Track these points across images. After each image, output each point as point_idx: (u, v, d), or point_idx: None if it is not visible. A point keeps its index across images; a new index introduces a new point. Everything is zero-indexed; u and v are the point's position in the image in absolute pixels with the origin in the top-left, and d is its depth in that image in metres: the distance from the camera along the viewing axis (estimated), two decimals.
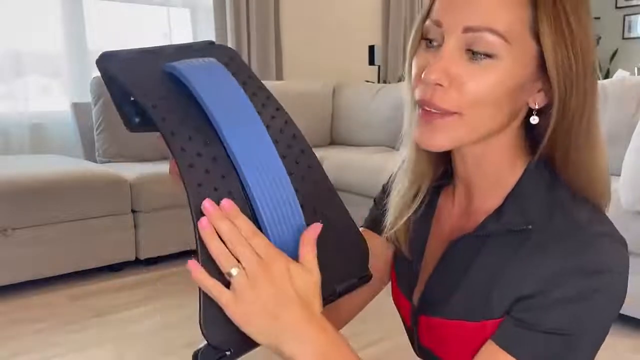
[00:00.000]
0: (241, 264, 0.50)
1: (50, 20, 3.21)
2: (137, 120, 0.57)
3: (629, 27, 6.27)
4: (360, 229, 0.64)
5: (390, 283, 0.82)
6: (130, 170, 2.70)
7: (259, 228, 0.52)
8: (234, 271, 0.49)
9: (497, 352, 0.58)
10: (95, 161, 3.07)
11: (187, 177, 0.50)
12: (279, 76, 4.11)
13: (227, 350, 0.51)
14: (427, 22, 0.60)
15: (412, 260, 0.74)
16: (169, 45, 0.59)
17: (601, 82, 2.50)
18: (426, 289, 0.70)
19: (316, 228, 0.54)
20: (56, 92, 3.36)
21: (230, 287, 0.50)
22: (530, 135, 0.65)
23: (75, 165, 2.69)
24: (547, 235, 0.59)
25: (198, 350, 0.50)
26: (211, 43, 0.62)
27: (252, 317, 0.50)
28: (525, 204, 0.62)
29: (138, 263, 2.70)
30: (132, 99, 0.55)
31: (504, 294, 0.60)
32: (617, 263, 0.58)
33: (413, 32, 0.64)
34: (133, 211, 2.64)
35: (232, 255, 0.50)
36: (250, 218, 0.51)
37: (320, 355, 0.52)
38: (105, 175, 2.56)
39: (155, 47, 0.58)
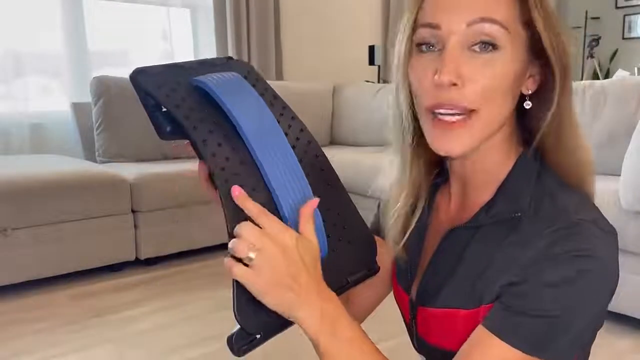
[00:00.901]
0: (255, 246, 0.55)
1: (50, 20, 3.21)
2: (168, 129, 0.62)
3: (629, 27, 6.27)
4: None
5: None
6: (130, 170, 2.70)
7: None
8: (252, 254, 0.54)
9: (487, 338, 0.59)
10: (95, 161, 3.06)
11: (220, 181, 0.57)
12: (279, 76, 4.11)
13: (257, 334, 0.57)
14: (420, 29, 0.62)
15: (410, 256, 0.75)
16: (192, 61, 0.65)
17: (601, 82, 2.50)
18: (423, 280, 0.72)
19: (313, 203, 0.58)
20: (56, 92, 3.36)
21: (250, 266, 0.55)
22: (522, 127, 0.68)
23: (75, 165, 2.69)
24: (535, 222, 0.61)
25: (232, 335, 0.56)
26: (230, 58, 0.69)
27: (270, 289, 0.55)
28: (515, 194, 0.64)
29: (138, 263, 2.70)
30: (163, 110, 0.61)
31: (493, 280, 0.62)
32: (604, 249, 0.59)
33: (403, 43, 0.64)
34: (133, 211, 2.64)
35: (247, 243, 0.55)
36: (277, 215, 0.58)
37: (326, 317, 0.57)
38: (105, 175, 2.56)
39: (180, 62, 0.64)
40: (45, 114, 3.22)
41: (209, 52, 3.85)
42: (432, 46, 0.61)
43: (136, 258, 2.67)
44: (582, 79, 5.80)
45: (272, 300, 0.55)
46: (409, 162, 0.71)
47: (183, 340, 1.92)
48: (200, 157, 0.59)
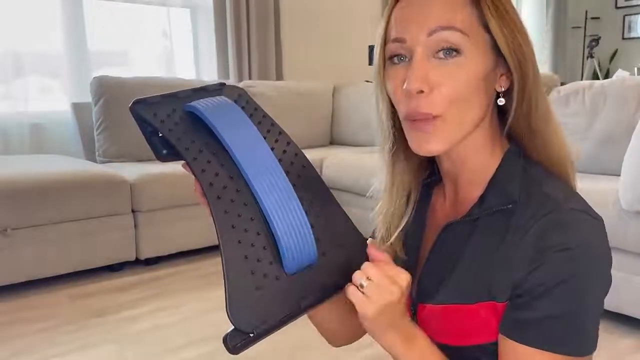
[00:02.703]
0: (368, 277, 0.62)
1: (50, 20, 3.21)
2: (164, 152, 0.67)
3: (629, 27, 6.27)
4: (368, 241, 0.70)
5: None
6: (130, 170, 2.70)
7: (274, 241, 0.62)
8: (364, 282, 0.61)
9: (510, 345, 0.63)
10: (95, 161, 3.07)
11: (210, 195, 0.62)
12: (279, 76, 4.11)
13: (250, 333, 0.59)
14: (389, 44, 0.66)
15: (409, 255, 0.77)
16: (187, 89, 0.70)
17: (601, 82, 2.50)
18: (421, 278, 0.74)
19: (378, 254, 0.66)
20: (56, 92, 3.36)
21: (363, 291, 0.62)
22: (502, 124, 0.71)
23: (75, 165, 2.69)
24: (528, 210, 0.64)
25: (227, 335, 0.59)
26: (222, 84, 0.73)
27: (373, 313, 0.61)
28: (504, 187, 0.67)
29: (138, 263, 2.70)
30: (160, 135, 0.66)
31: (498, 279, 0.64)
32: (596, 237, 0.63)
33: (377, 57, 0.69)
34: (133, 211, 2.64)
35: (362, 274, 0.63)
36: (269, 235, 0.62)
37: (407, 340, 0.65)
38: (105, 175, 2.56)
39: (175, 91, 0.70)
40: (45, 114, 3.22)
41: (209, 52, 3.85)
42: (403, 57, 0.65)
43: (136, 258, 2.67)
44: (582, 79, 5.80)
45: (372, 325, 0.63)
46: (391, 166, 0.76)
47: (183, 340, 1.92)
48: (194, 174, 0.63)
